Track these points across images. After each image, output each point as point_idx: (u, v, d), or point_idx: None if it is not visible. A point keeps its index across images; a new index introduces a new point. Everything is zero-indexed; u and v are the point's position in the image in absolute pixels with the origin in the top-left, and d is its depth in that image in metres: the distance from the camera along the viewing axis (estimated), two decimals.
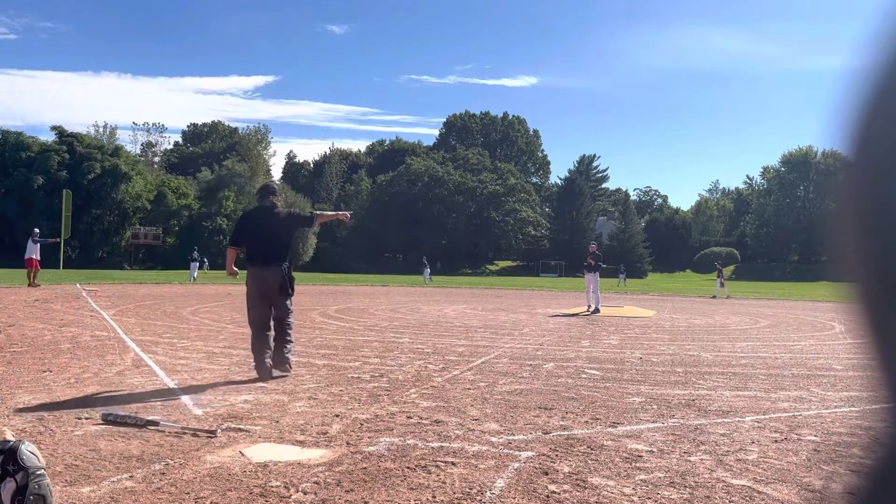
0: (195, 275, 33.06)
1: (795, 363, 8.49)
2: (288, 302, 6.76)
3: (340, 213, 7.91)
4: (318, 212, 8.10)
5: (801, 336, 12.19)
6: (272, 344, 6.59)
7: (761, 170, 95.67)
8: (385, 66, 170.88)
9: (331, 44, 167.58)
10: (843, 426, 5.07)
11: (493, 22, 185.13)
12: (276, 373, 6.55)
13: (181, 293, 21.86)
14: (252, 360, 6.66)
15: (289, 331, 6.76)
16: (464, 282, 46.04)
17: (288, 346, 6.71)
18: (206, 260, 33.08)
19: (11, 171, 60.44)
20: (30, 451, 2.54)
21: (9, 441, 2.40)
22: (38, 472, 2.36)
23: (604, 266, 17.24)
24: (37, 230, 23.33)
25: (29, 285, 21.63)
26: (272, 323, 6.68)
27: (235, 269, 7.08)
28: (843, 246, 0.46)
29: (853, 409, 5.77)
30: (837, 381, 7.12)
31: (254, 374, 6.57)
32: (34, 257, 22.01)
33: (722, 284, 29.30)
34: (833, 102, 0.46)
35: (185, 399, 5.44)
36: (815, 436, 4.72)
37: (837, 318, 16.19)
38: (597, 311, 16.78)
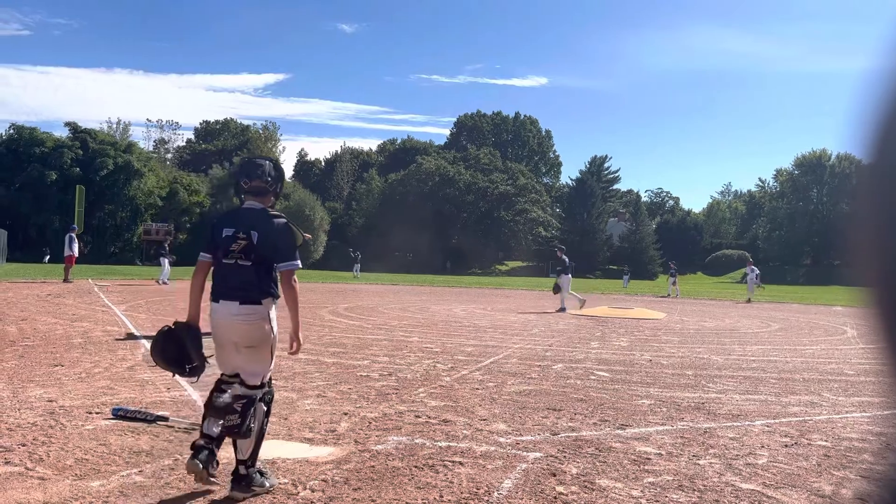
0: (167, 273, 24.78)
1: (807, 367, 8.43)
2: None
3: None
4: None
5: (812, 340, 12.10)
6: None
7: (774, 172, 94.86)
8: (395, 65, 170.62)
9: (341, 42, 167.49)
10: (855, 431, 5.03)
11: (502, 22, 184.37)
12: None
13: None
14: None
15: None
16: (473, 281, 46.00)
17: None
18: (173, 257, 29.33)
19: (25, 167, 60.89)
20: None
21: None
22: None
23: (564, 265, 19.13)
24: (75, 226, 24.39)
25: (65, 280, 21.84)
26: None
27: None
28: (858, 250, 0.46)
29: (865, 414, 5.72)
30: (849, 386, 7.07)
31: None
32: (75, 254, 22.58)
33: (675, 284, 31.28)
34: (851, 105, 0.46)
35: (195, 395, 5.48)
36: (826, 441, 4.68)
37: (849, 322, 16.06)
38: (563, 309, 18.40)
